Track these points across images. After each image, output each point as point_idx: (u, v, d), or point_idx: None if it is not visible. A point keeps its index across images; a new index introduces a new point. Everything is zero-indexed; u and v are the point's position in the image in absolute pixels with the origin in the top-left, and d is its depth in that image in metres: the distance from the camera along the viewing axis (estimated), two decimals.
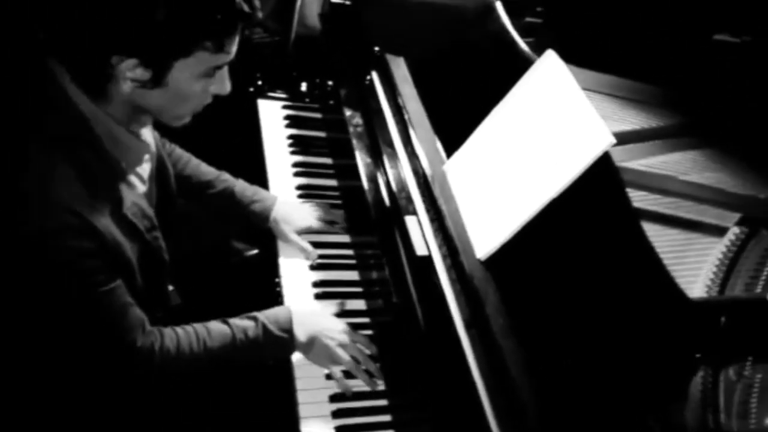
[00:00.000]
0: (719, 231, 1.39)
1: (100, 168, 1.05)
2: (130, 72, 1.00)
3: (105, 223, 1.03)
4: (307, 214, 1.51)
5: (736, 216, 1.41)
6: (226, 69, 1.10)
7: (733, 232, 1.38)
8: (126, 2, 0.94)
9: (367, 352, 1.29)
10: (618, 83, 1.63)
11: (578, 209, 1.05)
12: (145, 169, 1.21)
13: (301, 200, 1.58)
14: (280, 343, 1.24)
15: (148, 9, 0.95)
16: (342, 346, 1.26)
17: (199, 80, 1.06)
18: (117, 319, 1.09)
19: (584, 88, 1.56)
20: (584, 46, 1.64)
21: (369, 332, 1.34)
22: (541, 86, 1.13)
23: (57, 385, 1.18)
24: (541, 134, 1.12)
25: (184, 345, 1.17)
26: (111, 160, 1.08)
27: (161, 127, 1.30)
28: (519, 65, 1.18)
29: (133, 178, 1.16)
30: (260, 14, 1.05)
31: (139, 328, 1.12)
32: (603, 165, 0.99)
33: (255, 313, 1.25)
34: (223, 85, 1.11)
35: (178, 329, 1.19)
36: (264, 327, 1.22)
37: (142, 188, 1.19)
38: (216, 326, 1.22)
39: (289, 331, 1.24)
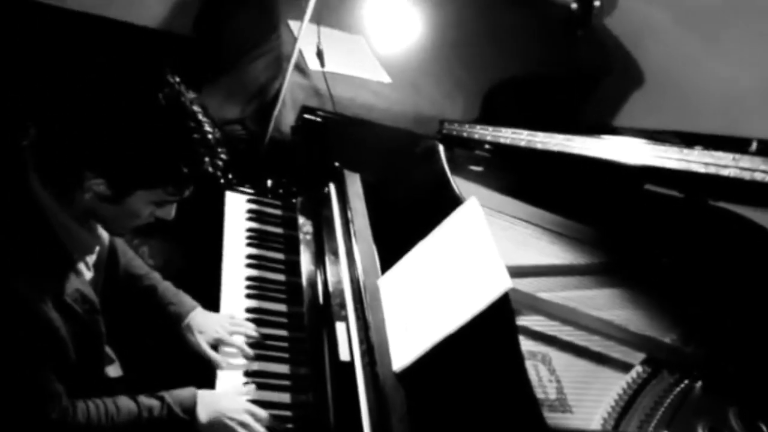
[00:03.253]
0: (625, 367, 1.51)
1: (52, 257, 1.17)
2: (95, 186, 1.14)
3: (45, 308, 1.14)
4: (220, 328, 1.56)
5: (642, 355, 1.54)
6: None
7: (636, 370, 1.50)
8: (109, 133, 1.09)
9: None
10: (554, 219, 1.80)
11: (477, 337, 1.19)
12: (94, 258, 1.33)
13: (248, 290, 1.68)
14: (182, 424, 1.32)
15: (127, 145, 1.10)
16: (243, 425, 1.35)
17: (150, 206, 1.21)
18: (36, 391, 1.18)
19: (524, 220, 1.76)
20: (529, 183, 1.83)
21: (290, 426, 1.41)
22: (461, 227, 1.30)
23: None
24: (456, 269, 1.28)
25: (93, 419, 1.26)
26: (63, 251, 1.19)
27: None
28: (449, 202, 1.35)
29: (81, 266, 1.28)
30: (220, 174, 1.20)
31: (55, 402, 1.21)
32: (501, 303, 1.14)
33: (163, 393, 1.34)
34: (170, 213, 1.26)
35: (90, 403, 1.27)
36: (169, 408, 1.32)
37: (88, 275, 1.31)
38: (125, 403, 1.30)
39: (191, 413, 1.33)
